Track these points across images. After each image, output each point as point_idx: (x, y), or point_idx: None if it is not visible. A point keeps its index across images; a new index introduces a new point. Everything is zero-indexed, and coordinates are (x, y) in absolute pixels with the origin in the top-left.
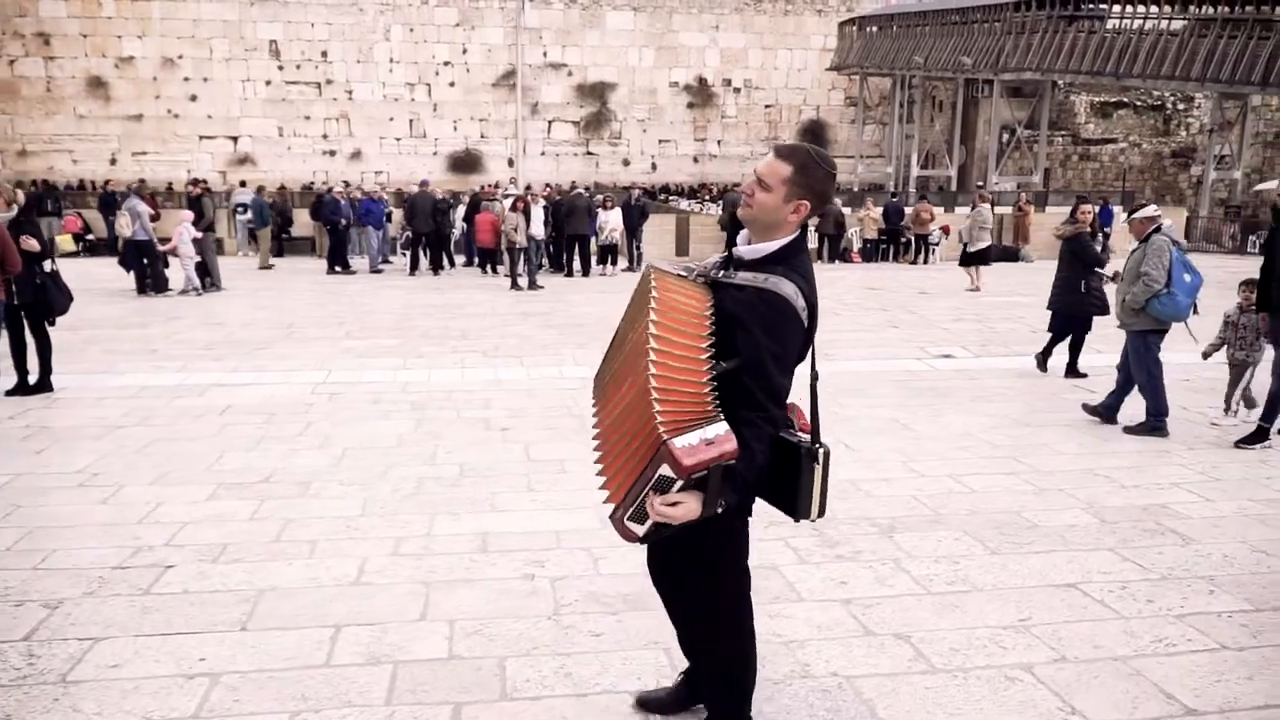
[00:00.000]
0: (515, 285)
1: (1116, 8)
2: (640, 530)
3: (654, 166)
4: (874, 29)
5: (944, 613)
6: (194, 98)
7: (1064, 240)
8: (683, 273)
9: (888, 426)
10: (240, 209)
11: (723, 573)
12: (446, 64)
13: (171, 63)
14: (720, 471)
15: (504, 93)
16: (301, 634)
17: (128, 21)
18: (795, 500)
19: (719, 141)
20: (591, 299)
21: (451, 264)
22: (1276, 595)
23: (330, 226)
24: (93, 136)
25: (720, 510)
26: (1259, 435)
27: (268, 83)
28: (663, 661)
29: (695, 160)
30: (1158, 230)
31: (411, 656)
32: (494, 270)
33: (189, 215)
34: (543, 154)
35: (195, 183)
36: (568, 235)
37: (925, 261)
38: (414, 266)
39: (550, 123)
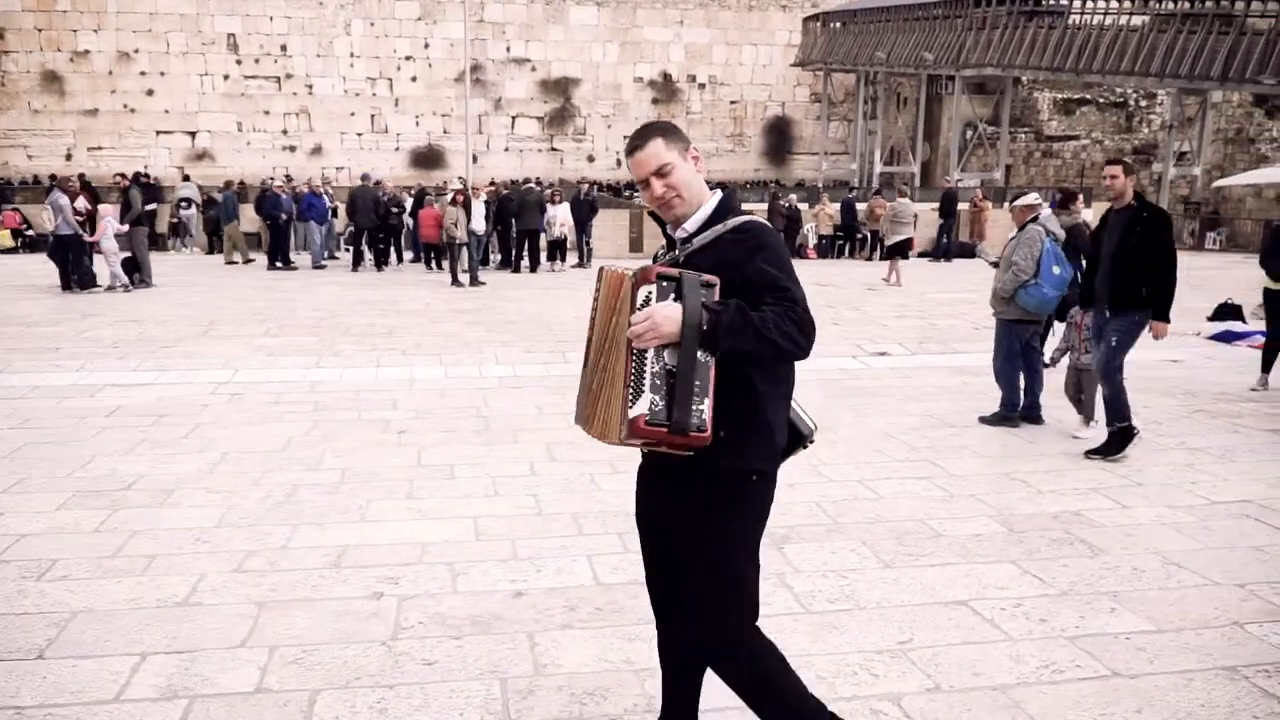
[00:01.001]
0: (456, 281)
1: (1077, 3)
2: (643, 405)
3: (619, 163)
4: (837, 25)
5: (820, 635)
6: (151, 92)
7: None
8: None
9: None
10: (184, 204)
11: (733, 543)
12: (408, 58)
13: (128, 57)
14: (697, 278)
15: (466, 88)
16: (100, 663)
17: (83, 15)
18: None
19: None
20: (532, 296)
21: (399, 259)
22: (1181, 614)
23: (270, 221)
24: (48, 131)
25: (708, 329)
26: (1119, 439)
27: (226, 77)
28: (494, 694)
29: None
30: (1034, 220)
31: (214, 690)
32: (439, 266)
33: (110, 209)
34: (506, 150)
35: (124, 175)
36: (518, 230)
37: (883, 258)
38: (356, 262)
39: (514, 118)
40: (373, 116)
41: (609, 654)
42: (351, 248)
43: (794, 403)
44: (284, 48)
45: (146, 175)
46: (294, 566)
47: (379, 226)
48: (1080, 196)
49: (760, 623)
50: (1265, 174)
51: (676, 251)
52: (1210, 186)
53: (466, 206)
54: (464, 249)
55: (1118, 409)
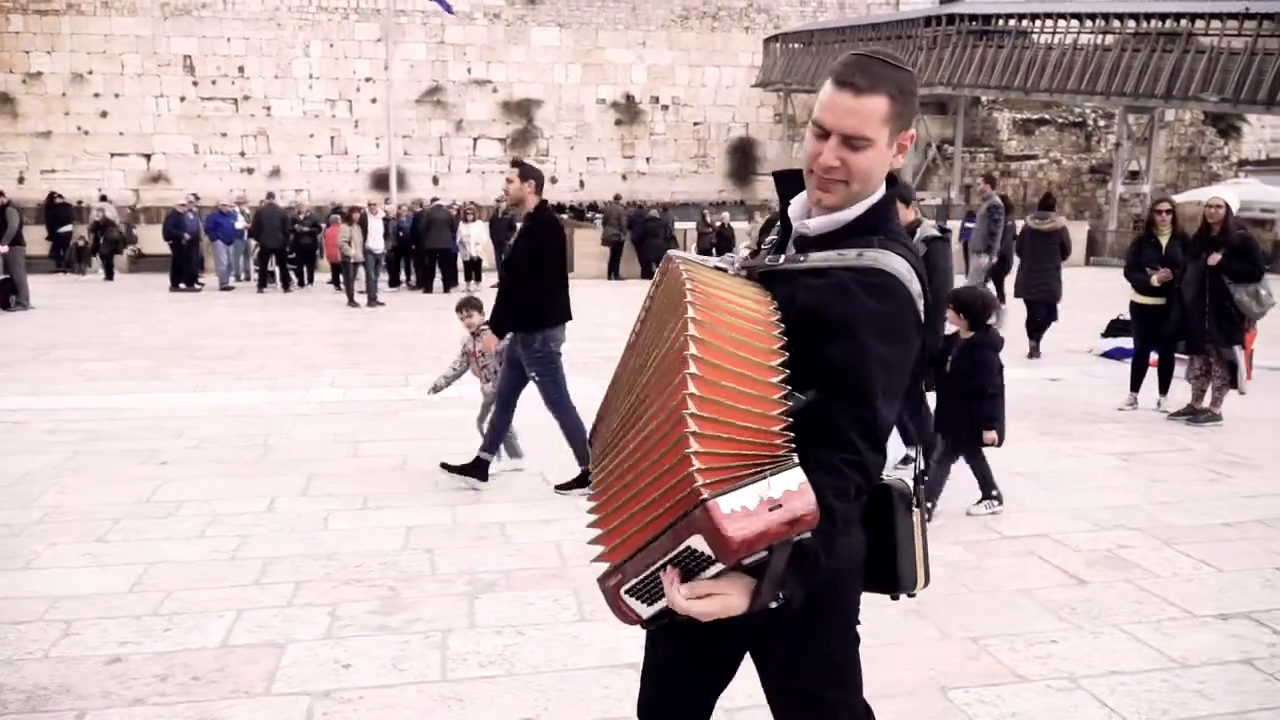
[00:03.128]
0: (352, 301)
1: (1025, 23)
2: (645, 611)
3: (582, 184)
4: (797, 46)
5: (433, 711)
6: (105, 114)
7: (1046, 234)
8: (721, 264)
9: None
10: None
11: (833, 707)
12: (368, 80)
13: (81, 78)
14: (787, 551)
15: (427, 109)
16: None
17: (35, 36)
18: (894, 567)
19: (648, 159)
20: (424, 317)
21: (310, 280)
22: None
23: (172, 241)
24: (0, 154)
25: (776, 606)
26: (476, 469)
27: (182, 99)
28: None
29: (624, 178)
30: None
31: None
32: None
33: None
34: (468, 171)
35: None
36: (426, 249)
37: None
38: (262, 283)
39: (475, 140)
40: (332, 138)
41: None
42: (259, 268)
43: (913, 532)
44: (241, 69)
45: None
46: None
47: (288, 246)
48: (1055, 201)
49: (370, 690)
50: (1198, 193)
51: (781, 259)
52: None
53: (363, 224)
54: (359, 268)
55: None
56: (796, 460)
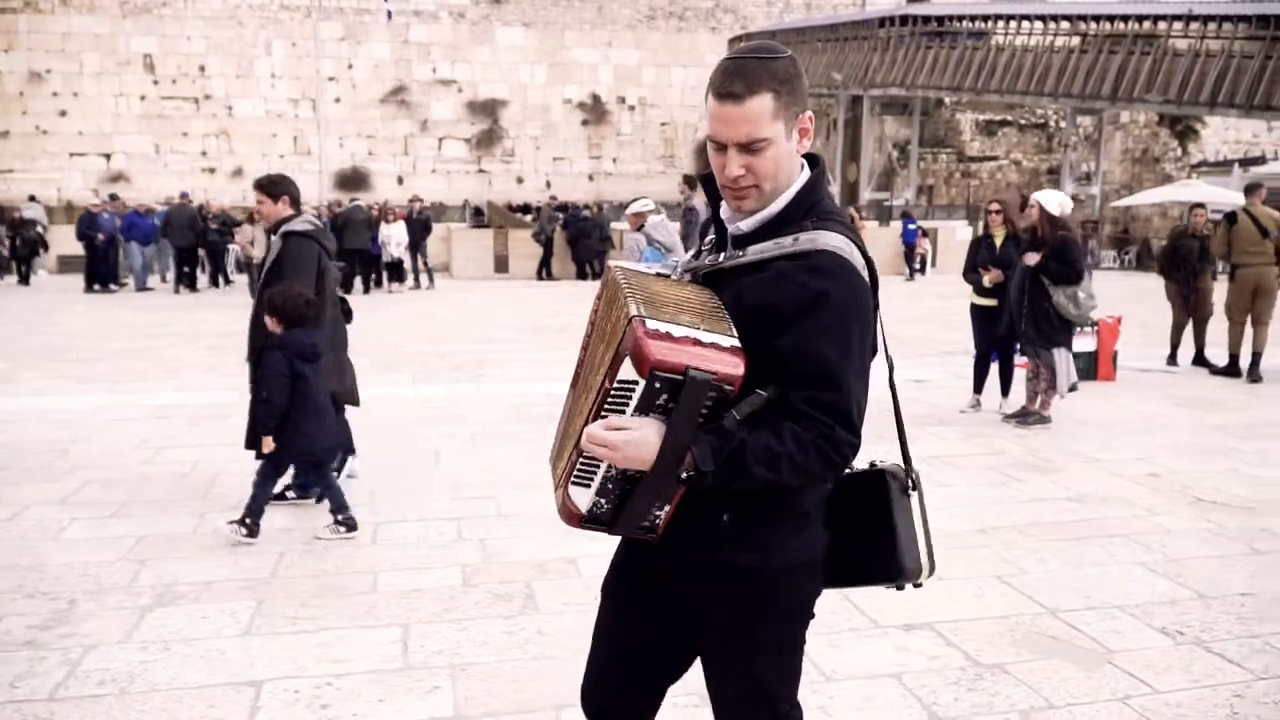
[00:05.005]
0: None
1: (977, 24)
2: (585, 499)
3: (548, 184)
4: None
5: None
6: (64, 113)
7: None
8: (663, 271)
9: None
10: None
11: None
12: (331, 79)
13: (39, 77)
14: (703, 391)
15: (392, 109)
16: None
17: None
18: (894, 553)
19: (614, 159)
20: None
21: (228, 280)
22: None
23: (86, 242)
24: None
25: (685, 477)
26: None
27: (142, 98)
28: None
29: (590, 178)
30: (641, 228)
31: None
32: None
33: None
34: (434, 171)
35: None
36: (345, 250)
37: None
38: (178, 283)
39: (441, 140)
40: (295, 138)
41: None
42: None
43: (912, 517)
44: (202, 68)
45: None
46: None
47: (197, 246)
48: (1264, 187)
49: None
50: (1156, 194)
51: (721, 257)
52: (1109, 206)
53: None
54: (258, 268)
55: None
56: (735, 332)
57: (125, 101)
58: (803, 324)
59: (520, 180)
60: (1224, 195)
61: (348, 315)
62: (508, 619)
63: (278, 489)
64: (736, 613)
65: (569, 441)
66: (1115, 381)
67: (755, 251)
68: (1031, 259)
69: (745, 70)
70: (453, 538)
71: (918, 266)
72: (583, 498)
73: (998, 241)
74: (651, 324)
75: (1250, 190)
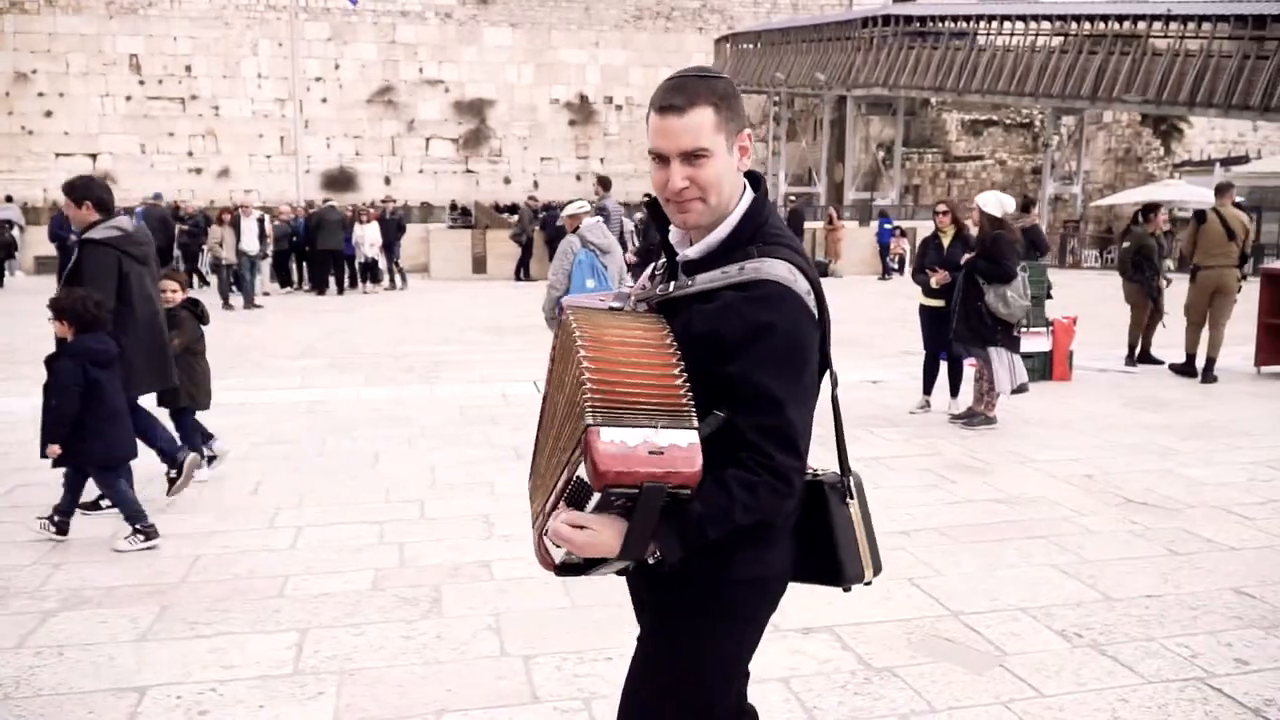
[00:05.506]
0: (227, 305)
1: (959, 24)
2: (558, 555)
3: (536, 184)
4: (746, 46)
5: None
6: (49, 113)
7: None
8: (615, 304)
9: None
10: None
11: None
12: (318, 80)
13: (25, 77)
14: (659, 499)
15: (379, 109)
16: None
17: None
18: (834, 560)
19: (602, 159)
20: (286, 321)
21: (204, 282)
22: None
23: (59, 243)
24: None
25: (653, 561)
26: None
27: (128, 98)
28: None
29: (578, 178)
30: (576, 230)
31: None
32: (235, 287)
33: None
34: (420, 172)
35: None
36: (319, 250)
37: None
38: None
39: (428, 140)
40: (282, 138)
41: None
42: None
43: (851, 524)
44: (189, 68)
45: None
46: None
47: (169, 247)
48: (1234, 188)
49: None
50: (1137, 193)
51: (671, 286)
52: (1091, 205)
53: (235, 226)
54: (229, 269)
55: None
56: (696, 424)
57: (111, 102)
58: (747, 354)
59: (508, 180)
60: (1204, 195)
61: (202, 318)
62: (409, 623)
63: (89, 497)
64: (669, 601)
65: (540, 493)
66: (1071, 381)
67: (704, 280)
68: (965, 258)
69: (685, 86)
70: (373, 541)
71: (895, 266)
72: (555, 553)
73: (945, 243)
74: (605, 435)
75: (1221, 191)
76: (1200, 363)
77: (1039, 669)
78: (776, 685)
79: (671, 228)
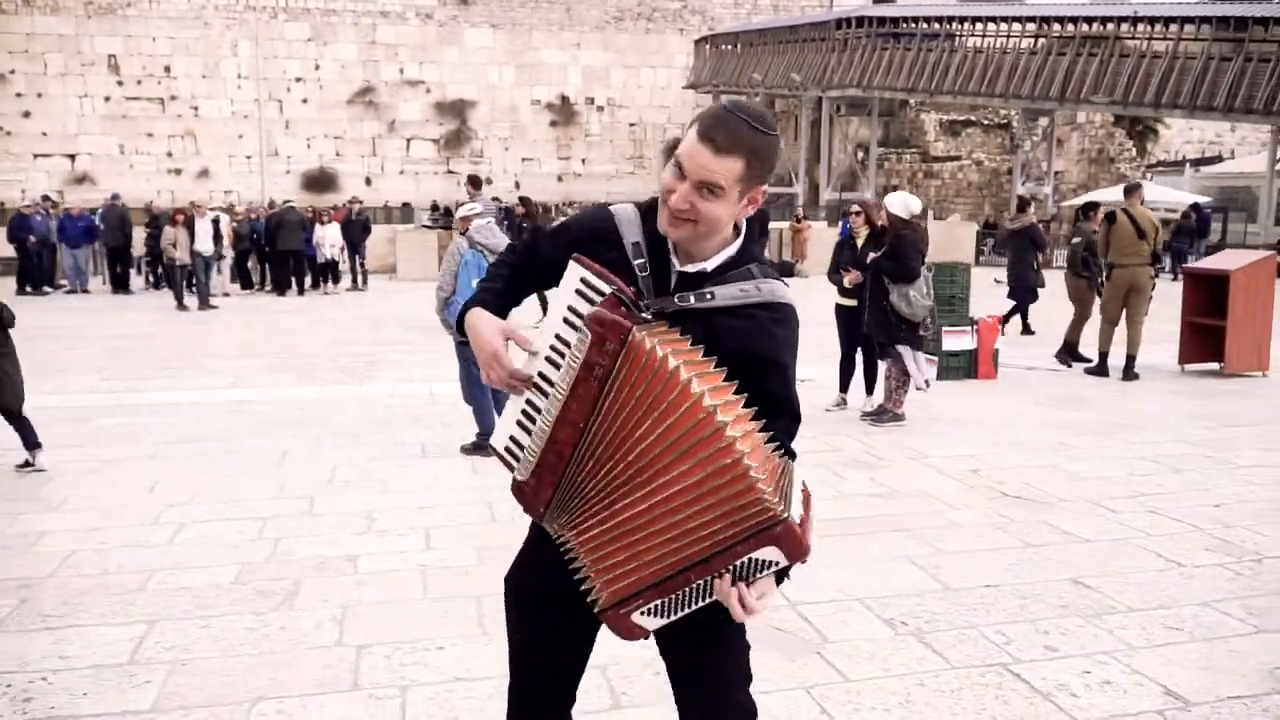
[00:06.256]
0: (181, 305)
1: (931, 25)
2: (655, 624)
3: (517, 185)
4: (725, 47)
5: None
6: (27, 114)
7: (1015, 231)
8: (622, 295)
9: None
10: None
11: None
12: (298, 80)
13: (2, 78)
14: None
15: (359, 109)
16: None
17: None
18: None
19: (583, 160)
20: (237, 322)
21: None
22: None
23: (18, 244)
24: None
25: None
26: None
27: (107, 99)
28: None
29: (560, 179)
30: (464, 232)
31: None
32: (189, 287)
33: None
34: (401, 172)
35: None
36: (279, 251)
37: None
38: (115, 285)
39: (409, 140)
40: (262, 139)
41: None
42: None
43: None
44: (168, 69)
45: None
46: None
47: (128, 247)
48: (1032, 202)
49: None
50: (1104, 194)
51: (692, 299)
52: (1062, 205)
53: (189, 226)
54: (183, 270)
55: None
56: (789, 459)
57: (90, 102)
58: (782, 373)
59: (489, 181)
60: (1171, 195)
61: (9, 321)
62: (257, 615)
63: None
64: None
65: (638, 535)
66: (996, 379)
67: (725, 297)
68: (870, 257)
69: (733, 127)
70: (252, 536)
71: None
72: (653, 623)
73: (859, 243)
74: (794, 515)
75: (1129, 191)
76: (1121, 361)
77: (852, 656)
78: (593, 672)
79: (673, 249)
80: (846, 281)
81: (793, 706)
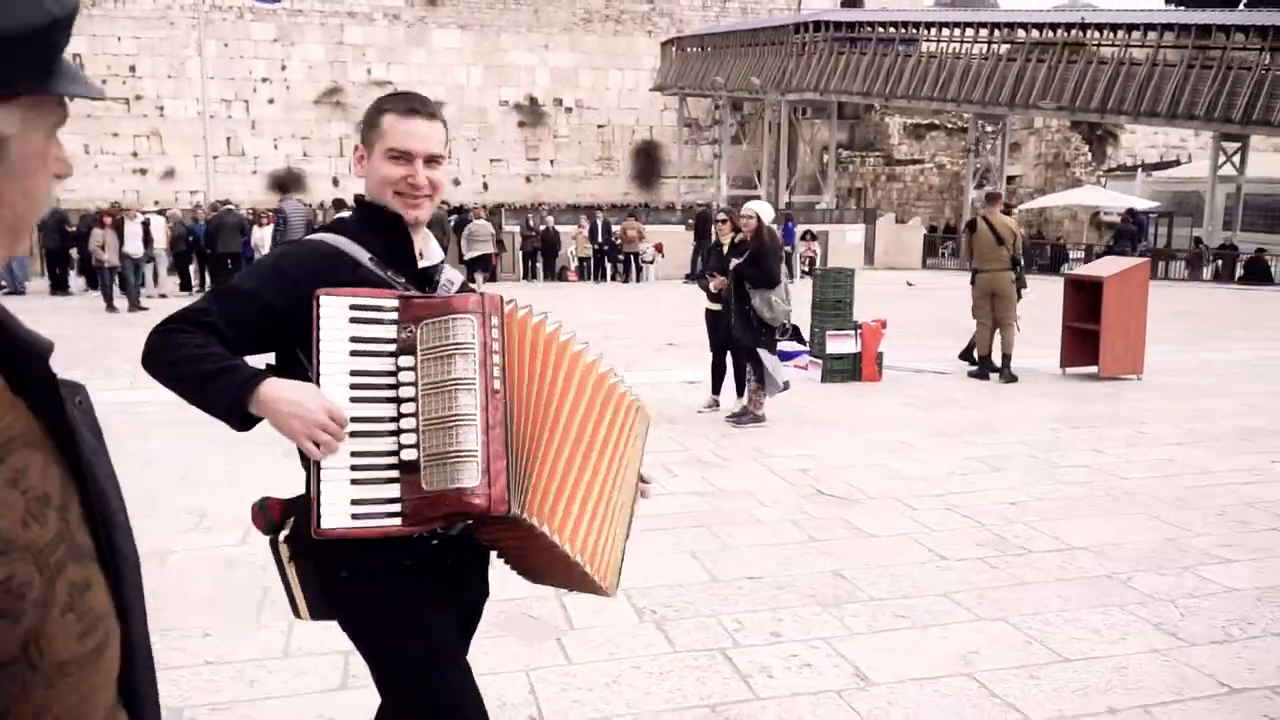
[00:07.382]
0: (111, 307)
1: (888, 30)
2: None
3: (485, 186)
4: (691, 49)
5: None
6: None
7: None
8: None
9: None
10: None
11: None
12: (265, 80)
13: None
14: None
15: (327, 110)
16: None
17: None
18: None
19: (552, 161)
20: (136, 325)
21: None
22: None
23: None
24: None
25: None
26: None
27: (72, 97)
28: None
29: (528, 180)
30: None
31: None
32: (122, 288)
33: None
34: None
35: None
36: (218, 253)
37: (638, 279)
38: (52, 286)
39: None
40: (229, 139)
41: None
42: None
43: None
44: (133, 68)
45: None
46: None
47: (66, 249)
48: (1001, 197)
49: None
50: (1060, 197)
51: (450, 290)
52: (1018, 209)
53: (118, 229)
54: (113, 272)
55: None
56: None
57: None
58: None
59: (457, 182)
60: (1122, 199)
61: None
62: None
63: None
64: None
65: (598, 519)
66: (880, 382)
67: (455, 282)
68: (733, 264)
69: (423, 100)
70: None
71: (805, 268)
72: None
73: (725, 249)
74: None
75: (989, 199)
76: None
77: (587, 642)
78: (335, 656)
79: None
80: (713, 286)
81: (506, 687)
